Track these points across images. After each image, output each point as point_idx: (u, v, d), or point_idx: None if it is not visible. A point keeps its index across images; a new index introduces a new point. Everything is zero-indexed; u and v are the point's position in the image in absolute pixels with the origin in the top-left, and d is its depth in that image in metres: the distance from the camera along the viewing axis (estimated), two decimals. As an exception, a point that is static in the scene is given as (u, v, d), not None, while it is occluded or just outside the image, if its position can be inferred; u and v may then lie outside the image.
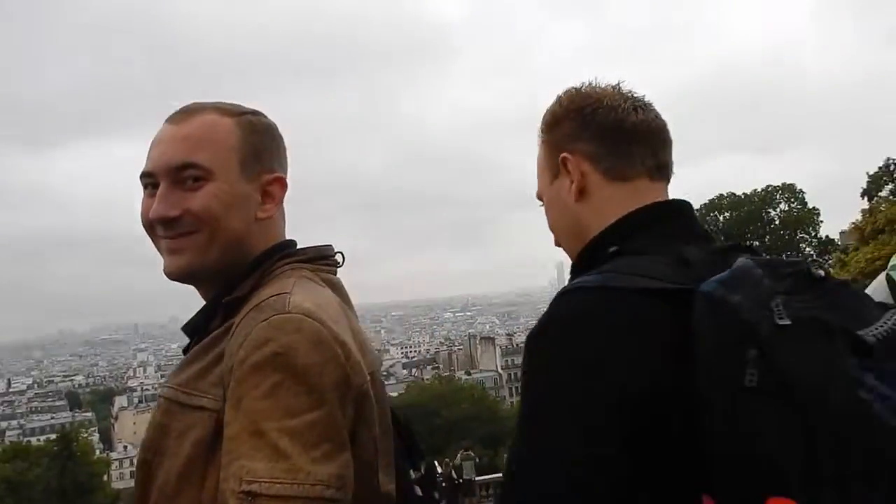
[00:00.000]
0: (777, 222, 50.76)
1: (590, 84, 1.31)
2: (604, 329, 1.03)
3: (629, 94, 1.29)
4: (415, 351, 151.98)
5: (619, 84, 1.30)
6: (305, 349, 1.14)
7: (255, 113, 1.41)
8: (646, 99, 1.30)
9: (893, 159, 37.95)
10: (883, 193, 38.23)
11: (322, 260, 1.41)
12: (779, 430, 0.89)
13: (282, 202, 1.42)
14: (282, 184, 1.40)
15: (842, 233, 46.74)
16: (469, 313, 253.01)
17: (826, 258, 48.15)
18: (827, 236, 50.13)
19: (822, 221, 50.18)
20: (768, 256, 1.11)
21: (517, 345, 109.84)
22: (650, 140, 1.28)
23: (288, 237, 1.44)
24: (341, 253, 1.45)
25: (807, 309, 0.96)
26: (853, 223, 38.06)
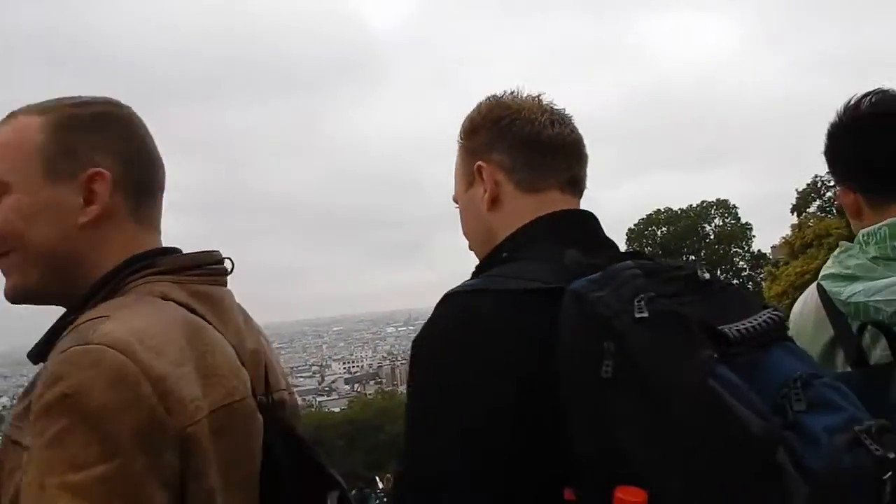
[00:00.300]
0: (712, 237, 52.09)
1: (511, 94, 1.33)
2: (483, 330, 1.05)
3: (548, 108, 1.31)
4: (357, 366, 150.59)
5: (539, 96, 1.32)
6: (101, 388, 0.96)
7: (84, 104, 1.21)
8: (565, 113, 1.33)
9: (821, 177, 39.34)
10: (811, 209, 39.66)
11: (193, 269, 1.21)
12: (632, 420, 0.91)
13: (111, 199, 1.18)
14: (103, 178, 1.16)
15: (773, 247, 48.25)
16: (412, 327, 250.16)
17: (758, 272, 49.66)
18: (759, 250, 51.68)
19: (754, 236, 51.80)
20: (656, 261, 1.13)
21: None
22: (564, 154, 1.30)
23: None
24: (230, 259, 1.27)
25: (670, 304, 0.97)
26: (783, 238, 39.32)
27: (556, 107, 1.32)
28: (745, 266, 52.12)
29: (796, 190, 39.95)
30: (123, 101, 1.27)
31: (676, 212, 52.69)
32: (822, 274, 1.61)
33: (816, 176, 39.56)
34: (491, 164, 1.29)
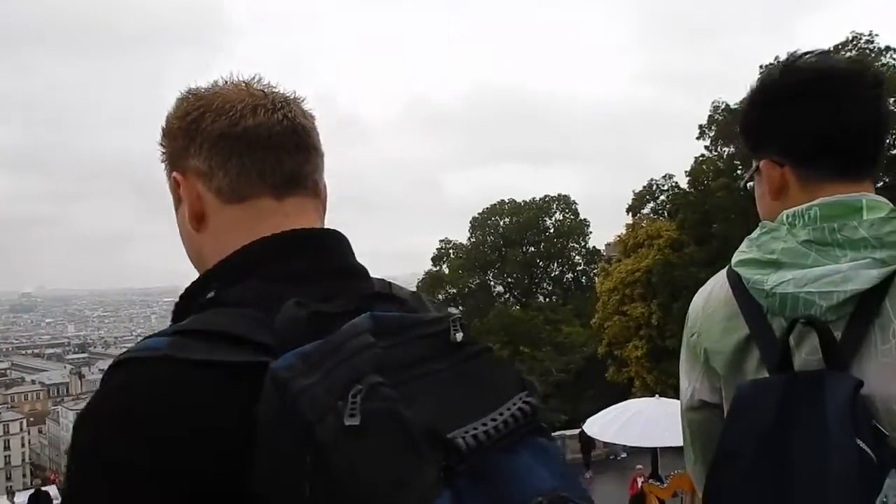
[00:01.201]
0: (552, 230, 53.77)
1: (215, 83, 1.06)
2: (147, 420, 0.82)
3: (258, 93, 1.04)
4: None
5: (251, 80, 1.07)
6: None
7: None
8: (290, 98, 1.07)
9: (656, 181, 41.50)
10: (645, 211, 41.67)
11: None
12: None
13: None
14: None
15: (607, 245, 50.68)
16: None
17: (592, 267, 51.90)
18: (594, 247, 53.98)
19: (591, 232, 54.05)
20: (402, 314, 0.91)
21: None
22: (272, 146, 1.02)
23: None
24: None
25: (392, 401, 0.76)
26: (618, 236, 41.19)
27: (278, 91, 1.07)
28: (580, 261, 54.28)
29: (633, 191, 41.72)
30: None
31: (520, 203, 53.95)
32: (736, 259, 1.37)
33: (652, 179, 41.67)
34: (189, 173, 1.04)
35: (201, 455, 0.80)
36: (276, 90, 1.07)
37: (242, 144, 1.01)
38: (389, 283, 1.06)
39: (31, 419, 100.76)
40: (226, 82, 1.06)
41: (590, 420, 11.77)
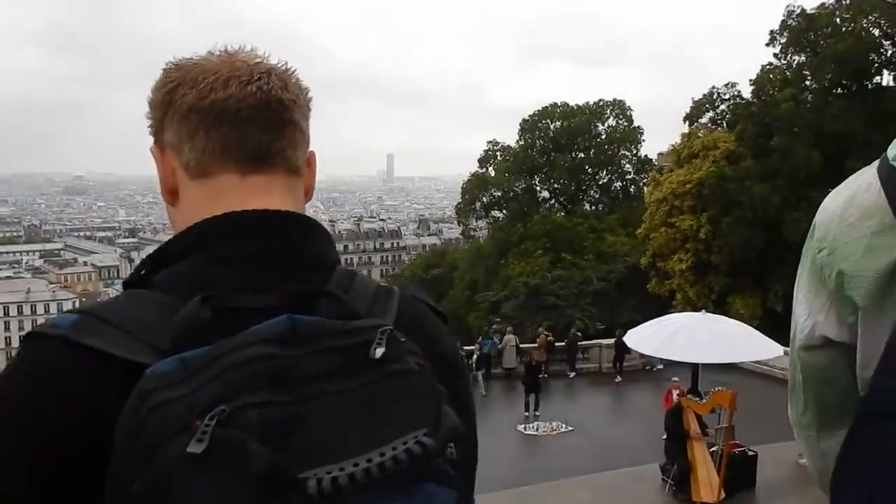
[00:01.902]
0: (604, 136, 52.41)
1: (209, 53, 1.01)
2: (23, 401, 0.79)
3: (238, 64, 0.99)
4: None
5: (240, 50, 1.01)
6: None
7: None
8: (275, 68, 1.01)
9: (717, 89, 39.74)
10: (703, 120, 40.14)
11: None
12: None
13: None
14: None
15: (660, 154, 49.33)
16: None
17: (642, 176, 50.77)
18: (646, 156, 52.61)
19: (644, 140, 52.50)
20: (322, 321, 0.80)
21: (338, 231, 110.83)
22: (242, 120, 0.97)
23: None
24: None
25: (248, 429, 0.69)
26: (672, 145, 39.93)
27: (263, 62, 1.00)
28: (630, 170, 53.08)
29: (692, 99, 40.07)
30: None
31: (572, 107, 52.49)
32: (894, 152, 1.04)
33: (714, 87, 39.91)
34: (165, 146, 1.01)
35: (65, 448, 0.76)
36: (261, 61, 1.00)
37: (209, 117, 0.96)
38: (354, 275, 0.95)
39: (83, 299, 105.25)
40: (220, 52, 1.00)
41: (631, 331, 11.57)
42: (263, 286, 0.86)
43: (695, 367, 10.89)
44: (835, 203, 1.11)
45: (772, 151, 32.83)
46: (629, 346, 11.88)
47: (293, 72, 1.03)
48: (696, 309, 33.69)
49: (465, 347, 21.77)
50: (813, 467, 1.11)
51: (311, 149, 1.07)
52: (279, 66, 1.02)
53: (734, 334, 10.35)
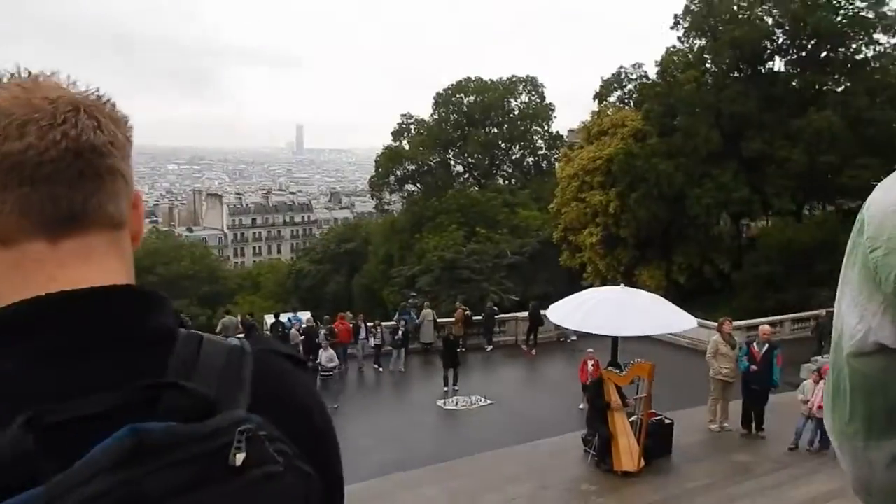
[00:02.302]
0: (516, 112, 52.98)
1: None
2: None
3: (37, 102, 0.80)
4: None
5: (39, 77, 0.83)
6: None
7: None
8: (85, 101, 0.82)
9: (625, 69, 40.84)
10: (612, 99, 41.21)
11: None
12: None
13: None
14: None
15: (570, 130, 50.29)
16: (196, 167, 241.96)
17: (554, 152, 51.72)
18: (558, 132, 53.54)
19: (555, 117, 53.39)
20: (171, 428, 0.69)
21: (246, 205, 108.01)
22: (42, 178, 0.79)
23: None
24: None
25: None
26: (582, 122, 40.86)
27: (69, 95, 0.82)
28: (542, 146, 53.95)
29: (601, 78, 41.06)
30: None
31: (486, 82, 52.77)
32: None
33: (621, 67, 41.03)
34: None
35: None
36: (65, 94, 0.82)
37: (2, 175, 0.77)
38: (200, 343, 0.82)
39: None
40: (12, 83, 0.82)
41: (553, 306, 11.87)
42: (93, 385, 0.72)
43: (614, 340, 11.31)
44: (888, 197, 0.97)
45: (675, 130, 34.09)
46: (552, 321, 12.23)
47: (107, 101, 0.86)
48: (605, 281, 34.90)
49: (386, 323, 21.90)
50: (856, 477, 1.05)
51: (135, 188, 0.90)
52: (89, 95, 0.84)
53: (653, 308, 10.80)
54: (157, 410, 0.70)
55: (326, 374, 16.85)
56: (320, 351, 17.39)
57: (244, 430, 0.70)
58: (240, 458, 0.69)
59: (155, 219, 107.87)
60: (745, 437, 11.44)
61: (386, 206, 57.12)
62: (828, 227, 30.83)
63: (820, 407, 10.31)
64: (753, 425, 11.51)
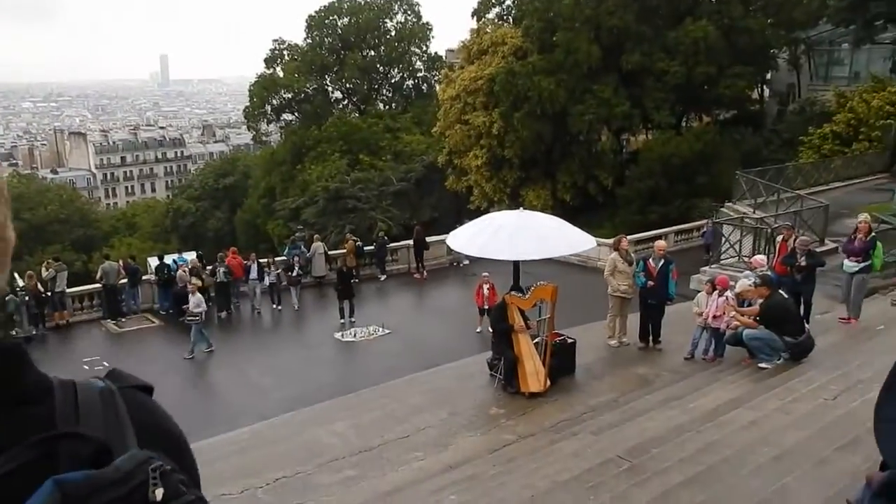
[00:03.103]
0: (393, 34, 51.44)
1: None
2: None
3: None
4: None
5: None
6: None
7: None
8: None
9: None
10: (490, 16, 40.52)
11: None
12: None
13: None
14: None
15: (449, 51, 49.42)
16: (54, 104, 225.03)
17: (434, 74, 50.81)
18: (437, 53, 52.52)
19: (433, 37, 52.20)
20: (89, 476, 0.72)
21: (113, 142, 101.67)
22: None
23: None
24: None
25: None
26: (461, 42, 40.08)
27: None
28: (421, 67, 52.86)
29: (479, -6, 40.15)
30: None
31: (360, 3, 50.79)
32: None
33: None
34: None
35: None
36: None
37: None
38: (75, 390, 0.83)
39: None
40: None
41: (453, 233, 11.60)
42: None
43: (515, 263, 11.16)
44: None
45: (556, 47, 33.97)
46: (454, 248, 11.92)
47: None
48: (492, 203, 35.06)
49: (277, 259, 21.12)
50: None
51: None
52: None
53: (553, 230, 10.65)
54: (60, 461, 0.73)
55: (193, 318, 15.94)
56: (189, 296, 16.33)
57: (155, 467, 0.74)
58: (159, 493, 0.73)
59: (14, 161, 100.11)
60: (644, 351, 11.68)
61: (263, 138, 54.96)
62: (706, 138, 31.92)
63: (715, 317, 10.61)
64: (651, 338, 11.74)
